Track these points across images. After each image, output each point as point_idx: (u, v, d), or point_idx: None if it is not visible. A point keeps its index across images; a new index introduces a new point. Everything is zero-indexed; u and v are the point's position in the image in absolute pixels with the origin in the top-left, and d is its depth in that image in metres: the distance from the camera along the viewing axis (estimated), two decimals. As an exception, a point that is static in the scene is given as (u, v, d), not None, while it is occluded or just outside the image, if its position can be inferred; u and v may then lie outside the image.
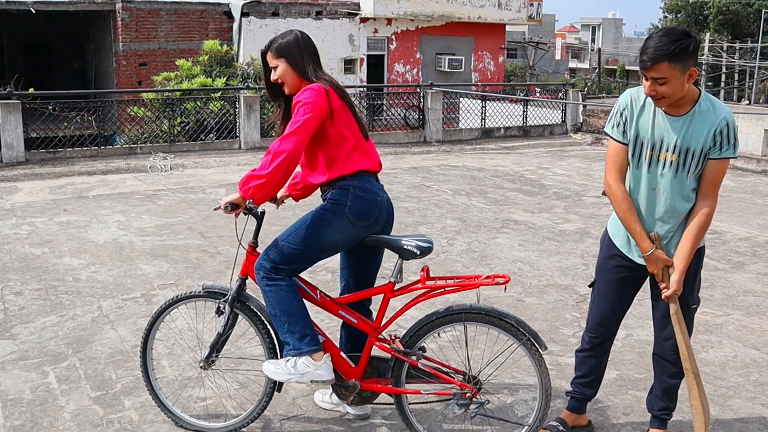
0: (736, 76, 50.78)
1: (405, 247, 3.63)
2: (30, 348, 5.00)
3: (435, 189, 10.86)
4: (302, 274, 3.81)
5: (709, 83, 50.29)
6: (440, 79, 24.71)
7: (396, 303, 3.90)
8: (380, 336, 3.77)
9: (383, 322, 3.79)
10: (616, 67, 61.30)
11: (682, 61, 3.25)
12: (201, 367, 3.97)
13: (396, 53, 26.47)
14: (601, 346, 3.91)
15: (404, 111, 17.27)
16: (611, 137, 3.61)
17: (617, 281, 3.77)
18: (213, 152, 13.97)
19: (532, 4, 28.72)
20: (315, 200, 3.89)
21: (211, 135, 14.64)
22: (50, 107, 13.17)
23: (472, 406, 3.65)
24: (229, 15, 23.77)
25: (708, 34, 51.25)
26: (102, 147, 13.52)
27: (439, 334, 3.73)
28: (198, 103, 14.71)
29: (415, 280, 3.73)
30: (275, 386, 3.85)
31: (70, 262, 6.94)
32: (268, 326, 3.85)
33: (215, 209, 3.79)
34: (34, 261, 6.99)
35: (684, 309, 3.61)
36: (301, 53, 3.73)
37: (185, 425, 4.02)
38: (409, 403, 3.83)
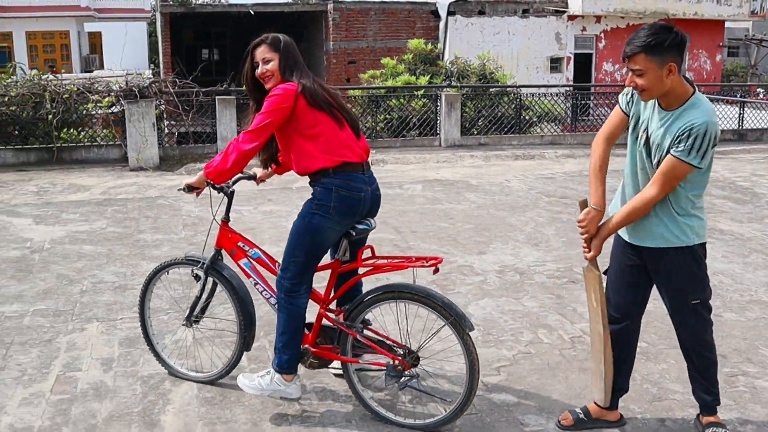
0: None
1: None
2: (226, 326, 5.30)
3: (636, 193, 10.42)
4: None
5: None
6: (651, 79, 23.69)
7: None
8: (329, 308, 4.15)
9: (331, 296, 4.14)
10: None
11: (658, 54, 3.36)
12: (184, 325, 4.52)
13: (605, 52, 25.71)
14: (619, 339, 3.88)
15: (609, 111, 16.74)
16: (618, 103, 3.79)
17: (624, 268, 3.83)
18: (413, 149, 14.20)
19: (755, -1, 26.96)
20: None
21: (413, 132, 14.89)
22: (262, 103, 13.89)
23: (402, 379, 3.91)
24: (435, 14, 24.08)
25: None
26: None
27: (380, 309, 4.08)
28: (401, 100, 15.01)
29: (364, 258, 4.05)
30: (244, 347, 4.34)
31: (269, 249, 7.27)
32: (240, 294, 4.28)
33: (178, 190, 4.31)
34: (238, 247, 7.41)
35: (683, 304, 3.71)
36: (295, 54, 4.02)
37: (176, 374, 4.59)
38: (356, 370, 4.13)
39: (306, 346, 4.13)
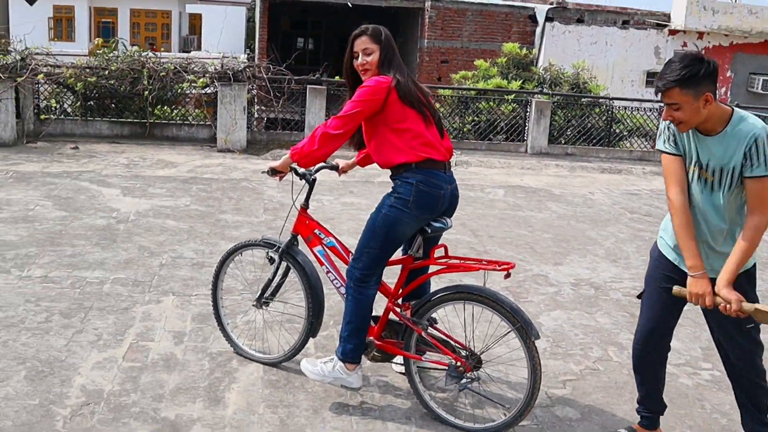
0: None
1: None
2: (298, 312, 5.36)
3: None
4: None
5: None
6: (752, 101, 22.99)
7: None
8: (397, 302, 4.17)
9: (400, 291, 4.17)
10: None
11: (693, 86, 3.27)
12: (254, 306, 4.62)
13: (704, 70, 24.98)
14: (648, 362, 3.84)
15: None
16: (665, 152, 3.59)
17: (663, 292, 3.69)
18: (498, 153, 14.09)
19: None
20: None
21: (500, 136, 14.77)
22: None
23: (463, 380, 3.91)
24: (533, 19, 23.83)
25: None
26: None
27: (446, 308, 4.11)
28: (491, 103, 14.90)
29: (437, 257, 4.08)
30: (310, 333, 4.41)
31: (347, 240, 7.32)
32: (311, 280, 4.33)
33: (262, 173, 4.39)
34: (316, 235, 7.49)
35: (737, 330, 3.55)
36: (394, 47, 4.03)
37: (241, 353, 4.69)
38: (418, 368, 4.15)
39: (371, 338, 4.16)
